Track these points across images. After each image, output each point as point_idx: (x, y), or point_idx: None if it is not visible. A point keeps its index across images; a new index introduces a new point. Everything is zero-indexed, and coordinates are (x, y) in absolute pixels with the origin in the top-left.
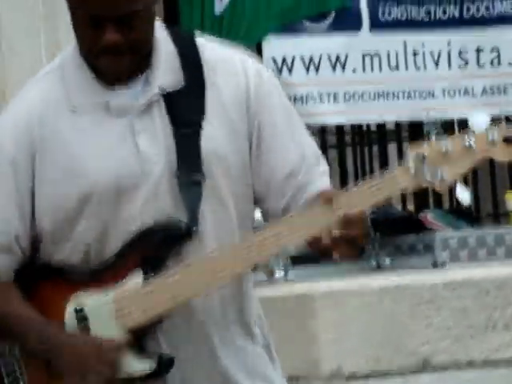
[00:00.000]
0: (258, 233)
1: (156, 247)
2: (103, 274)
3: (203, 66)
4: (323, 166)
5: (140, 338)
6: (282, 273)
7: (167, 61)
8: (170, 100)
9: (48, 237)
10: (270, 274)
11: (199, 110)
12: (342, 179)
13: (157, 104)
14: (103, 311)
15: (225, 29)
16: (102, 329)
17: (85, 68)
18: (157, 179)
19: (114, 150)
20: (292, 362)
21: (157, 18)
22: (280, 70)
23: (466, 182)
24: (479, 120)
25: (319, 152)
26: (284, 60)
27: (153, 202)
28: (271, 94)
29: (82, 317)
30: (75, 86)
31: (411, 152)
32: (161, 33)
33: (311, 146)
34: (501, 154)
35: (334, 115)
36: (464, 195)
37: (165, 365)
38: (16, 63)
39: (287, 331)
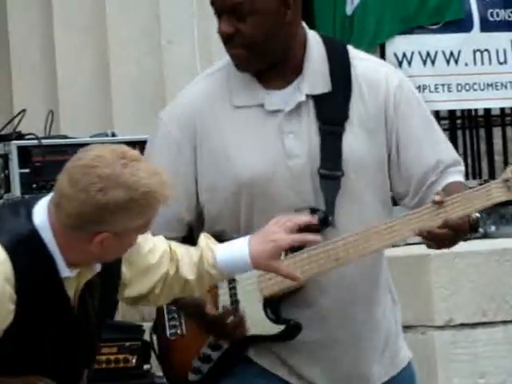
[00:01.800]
0: (374, 224)
1: (296, 232)
2: None
3: (352, 75)
4: (459, 167)
5: (276, 305)
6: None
7: (317, 67)
8: (319, 102)
9: (209, 215)
10: None
11: (344, 114)
12: None
13: (305, 105)
14: (249, 280)
15: (355, 29)
16: (247, 293)
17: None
18: (299, 174)
19: (263, 146)
20: (411, 313)
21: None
22: (400, 64)
23: None
24: None
25: (457, 156)
26: (404, 55)
27: (295, 194)
28: (410, 105)
29: (232, 286)
30: (237, 87)
31: (509, 168)
32: (314, 39)
33: (448, 150)
34: None
35: (448, 102)
36: None
37: (292, 330)
38: (173, 56)
39: (407, 287)
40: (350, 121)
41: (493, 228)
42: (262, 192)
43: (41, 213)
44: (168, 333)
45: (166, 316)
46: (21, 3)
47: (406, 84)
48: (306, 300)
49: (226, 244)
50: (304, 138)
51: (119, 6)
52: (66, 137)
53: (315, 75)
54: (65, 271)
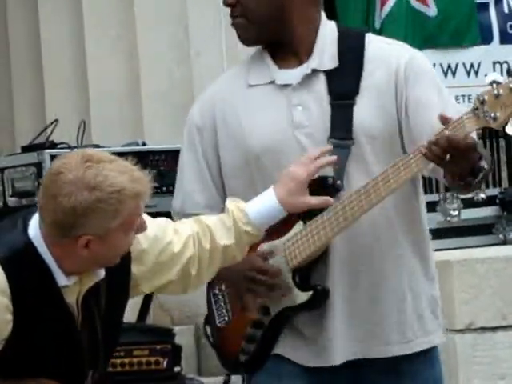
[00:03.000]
0: (371, 179)
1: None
2: (278, 227)
3: (364, 55)
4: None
5: (304, 273)
6: None
7: (325, 47)
8: (330, 77)
9: (230, 191)
10: None
11: (354, 89)
12: None
13: (316, 79)
14: (278, 252)
15: None
16: (278, 263)
17: (265, 52)
18: (307, 144)
19: (272, 119)
20: None
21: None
22: None
23: None
24: None
25: (462, 109)
26: None
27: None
28: (419, 74)
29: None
30: (254, 67)
31: (476, 98)
32: (329, 26)
33: (454, 107)
34: None
35: None
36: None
37: (319, 296)
38: (201, 66)
39: None
40: (361, 95)
41: None
42: (273, 163)
43: (34, 225)
44: (217, 321)
45: (213, 306)
46: (53, 17)
47: (417, 57)
48: (326, 266)
49: (252, 200)
50: (313, 109)
51: (149, 18)
52: (97, 146)
53: (322, 53)
54: (62, 280)
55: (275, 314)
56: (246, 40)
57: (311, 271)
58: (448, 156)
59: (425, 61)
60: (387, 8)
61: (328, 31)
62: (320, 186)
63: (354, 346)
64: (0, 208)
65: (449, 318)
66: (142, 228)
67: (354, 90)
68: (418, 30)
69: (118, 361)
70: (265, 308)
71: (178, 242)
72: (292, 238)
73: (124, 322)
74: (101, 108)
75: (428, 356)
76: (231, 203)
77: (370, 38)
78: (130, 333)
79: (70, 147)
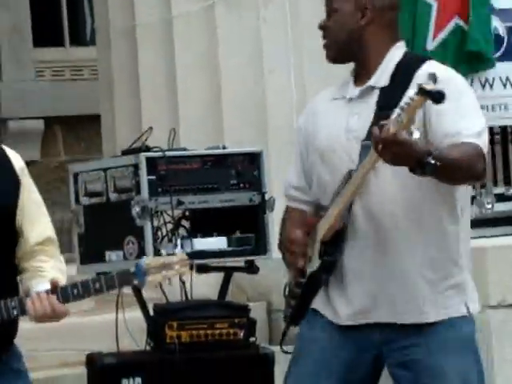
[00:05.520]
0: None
1: (340, 186)
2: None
3: (414, 75)
4: (474, 139)
5: (328, 245)
6: None
7: (387, 70)
8: (381, 93)
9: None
10: None
11: (395, 102)
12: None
13: (372, 94)
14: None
15: None
16: (318, 231)
17: (352, 71)
18: (353, 145)
19: (334, 125)
20: None
21: (399, 43)
22: None
23: None
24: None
25: (478, 130)
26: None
27: (349, 160)
28: (449, 90)
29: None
30: (342, 84)
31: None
32: (396, 52)
33: (470, 125)
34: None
35: (504, 119)
36: None
37: (326, 266)
38: (273, 83)
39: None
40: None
41: None
42: (328, 160)
43: None
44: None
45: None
46: (147, 44)
47: (454, 78)
48: (344, 241)
49: None
50: (366, 118)
51: (230, 39)
52: (185, 149)
53: (382, 73)
54: None
55: (307, 276)
56: (329, 57)
57: (333, 244)
58: (380, 148)
59: (461, 81)
60: (442, 35)
61: (393, 56)
62: (346, 177)
63: (365, 311)
64: (103, 202)
65: (483, 296)
66: None
67: (394, 104)
68: (467, 57)
69: (202, 332)
70: (302, 271)
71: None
72: (324, 215)
73: (207, 299)
74: (188, 117)
75: (446, 324)
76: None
77: (429, 63)
78: (212, 308)
79: (162, 150)
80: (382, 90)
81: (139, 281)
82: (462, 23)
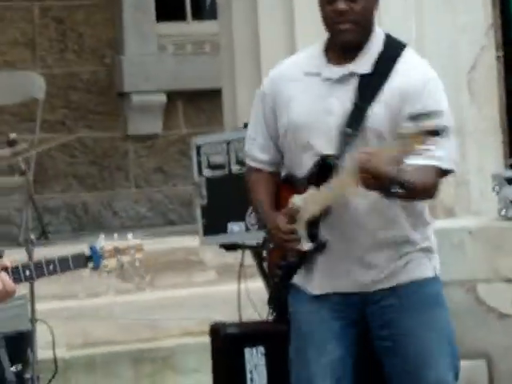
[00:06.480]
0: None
1: (321, 172)
2: (304, 186)
3: (395, 66)
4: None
5: (312, 227)
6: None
7: (368, 56)
8: (361, 80)
9: (284, 157)
10: None
11: (374, 94)
12: None
13: (353, 79)
14: (302, 206)
15: None
16: (303, 212)
17: (321, 49)
18: (331, 127)
19: (312, 103)
20: (478, 268)
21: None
22: None
23: None
24: None
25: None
26: None
27: (324, 142)
28: (423, 90)
29: (296, 206)
30: (311, 60)
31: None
32: (379, 34)
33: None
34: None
35: None
36: None
37: (320, 246)
38: None
39: (492, 253)
40: (378, 99)
41: None
42: (303, 136)
43: None
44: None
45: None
46: (269, 12)
47: (432, 78)
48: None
49: None
50: (344, 102)
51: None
52: None
53: (363, 60)
54: None
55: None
56: (350, 43)
57: (318, 225)
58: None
59: (436, 83)
60: None
61: (376, 39)
62: (320, 162)
63: (342, 281)
64: (226, 174)
65: (493, 270)
66: None
67: (373, 96)
68: None
69: None
70: (296, 252)
71: None
72: (307, 198)
73: None
74: None
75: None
76: None
77: (408, 52)
78: None
79: None
80: (363, 77)
81: (94, 264)
82: None
